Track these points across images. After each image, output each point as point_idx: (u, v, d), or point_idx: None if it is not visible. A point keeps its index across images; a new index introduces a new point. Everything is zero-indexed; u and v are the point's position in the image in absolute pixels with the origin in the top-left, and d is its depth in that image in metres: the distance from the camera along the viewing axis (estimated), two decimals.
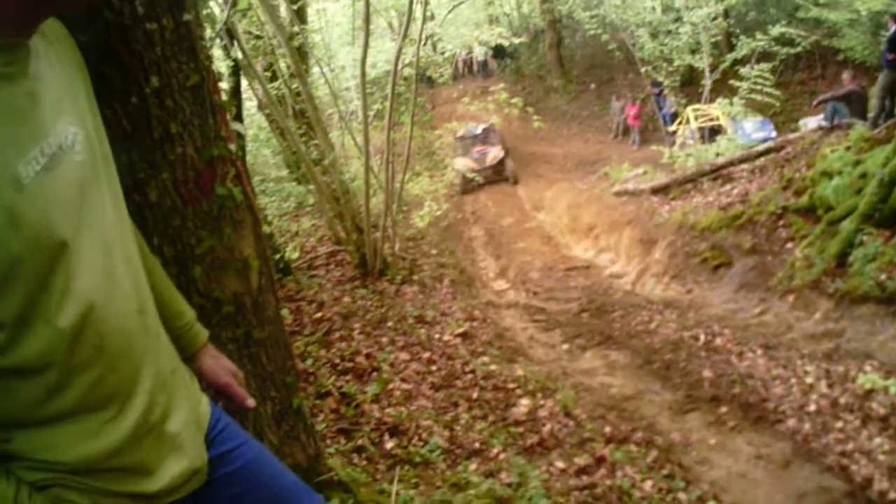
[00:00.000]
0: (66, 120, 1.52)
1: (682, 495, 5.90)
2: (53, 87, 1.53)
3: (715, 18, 24.30)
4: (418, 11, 11.94)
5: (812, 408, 7.62)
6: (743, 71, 21.72)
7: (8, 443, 1.47)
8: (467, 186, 25.17)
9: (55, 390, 1.46)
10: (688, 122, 22.92)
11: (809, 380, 8.18)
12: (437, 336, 9.38)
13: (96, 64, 2.21)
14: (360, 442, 5.68)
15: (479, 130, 29.19)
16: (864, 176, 10.79)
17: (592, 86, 35.89)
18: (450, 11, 17.27)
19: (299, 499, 2.22)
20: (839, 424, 7.23)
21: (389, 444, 5.80)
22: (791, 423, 7.40)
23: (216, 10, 8.45)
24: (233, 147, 2.94)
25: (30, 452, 1.49)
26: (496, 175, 28.44)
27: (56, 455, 1.51)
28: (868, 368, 8.12)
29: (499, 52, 41.22)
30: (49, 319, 1.40)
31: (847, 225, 10.32)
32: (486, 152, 28.82)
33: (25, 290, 1.34)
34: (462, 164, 27.60)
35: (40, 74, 1.49)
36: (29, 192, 1.32)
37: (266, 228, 3.27)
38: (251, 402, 2.33)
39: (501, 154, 28.98)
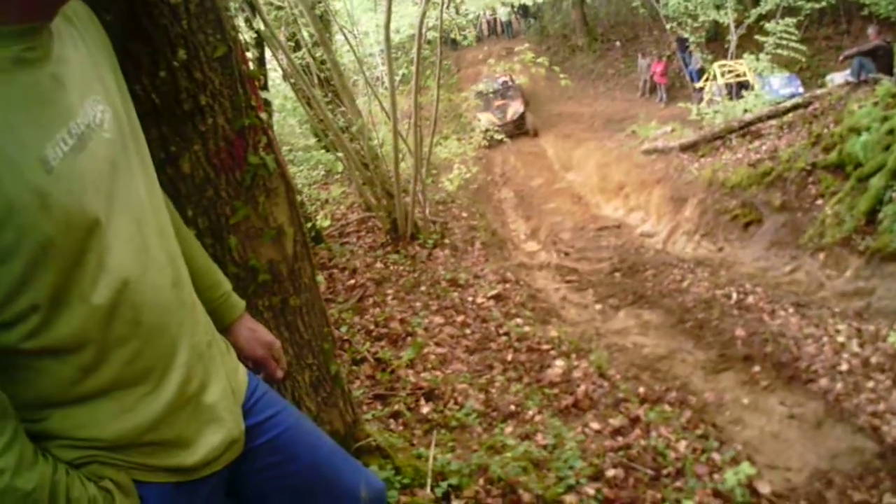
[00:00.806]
0: (93, 99, 1.54)
1: (715, 455, 5.90)
2: (78, 68, 1.54)
3: None
4: None
5: (844, 367, 7.60)
6: (768, 26, 21.57)
7: (45, 422, 1.48)
8: (492, 142, 25.33)
9: (91, 368, 1.48)
10: (714, 78, 22.77)
11: (841, 339, 8.17)
12: (470, 299, 9.38)
13: (123, 41, 2.24)
14: (396, 407, 5.72)
15: (499, 83, 29.61)
16: (891, 132, 10.69)
17: (617, 44, 35.71)
18: None
19: (337, 465, 2.23)
20: (870, 384, 7.21)
21: (425, 409, 5.83)
22: (823, 382, 7.39)
23: None
24: (264, 116, 2.95)
25: (66, 431, 1.50)
26: (517, 129, 28.92)
27: (92, 432, 1.53)
28: None
29: (523, 11, 41.15)
30: (84, 297, 1.41)
31: (876, 182, 10.24)
32: (506, 107, 29.37)
33: (59, 270, 1.35)
34: (485, 119, 27.77)
35: (64, 56, 1.50)
36: (58, 173, 1.33)
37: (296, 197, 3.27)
38: (280, 374, 2.38)
39: (521, 108, 29.60)
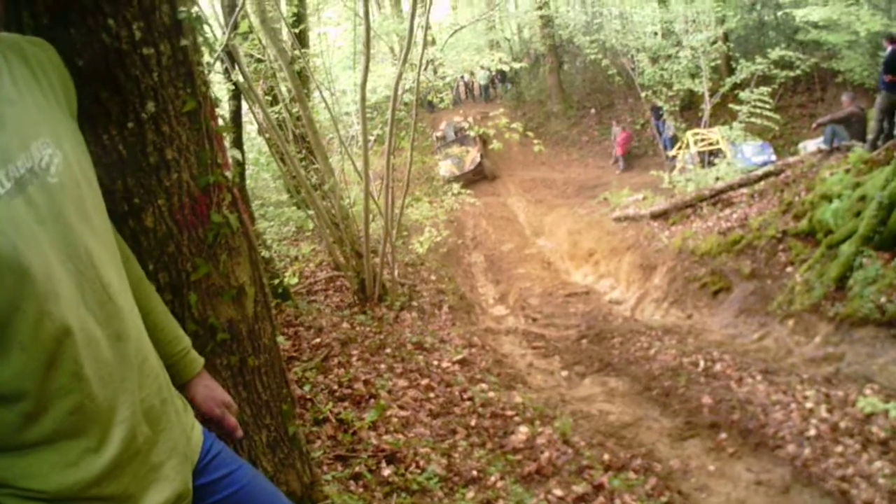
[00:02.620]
0: (41, 142, 1.54)
1: None
2: (27, 111, 1.55)
3: (714, 42, 24.45)
4: (419, 36, 11.96)
5: (812, 432, 7.61)
6: (742, 95, 21.81)
7: None
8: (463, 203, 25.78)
9: (33, 416, 1.47)
10: (687, 146, 22.92)
11: (809, 404, 8.18)
12: (435, 363, 9.34)
13: (94, 88, 2.26)
14: (357, 469, 5.66)
15: (455, 127, 31.05)
16: (863, 199, 10.81)
17: (592, 111, 36.00)
18: (451, 36, 17.29)
19: None
20: (839, 449, 7.22)
21: (386, 472, 5.77)
22: (791, 448, 7.39)
23: (218, 33, 8.45)
24: (229, 174, 2.94)
25: (11, 480, 1.49)
26: (476, 175, 30.13)
27: (36, 483, 1.51)
28: (868, 392, 8.13)
29: (500, 76, 41.58)
30: (23, 345, 1.41)
31: (846, 248, 10.34)
32: (464, 155, 30.30)
33: None
34: (444, 168, 29.37)
35: (10, 98, 1.50)
36: None
37: (265, 253, 3.24)
38: (240, 433, 2.35)
39: (479, 157, 30.44)
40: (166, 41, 2.53)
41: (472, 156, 30.32)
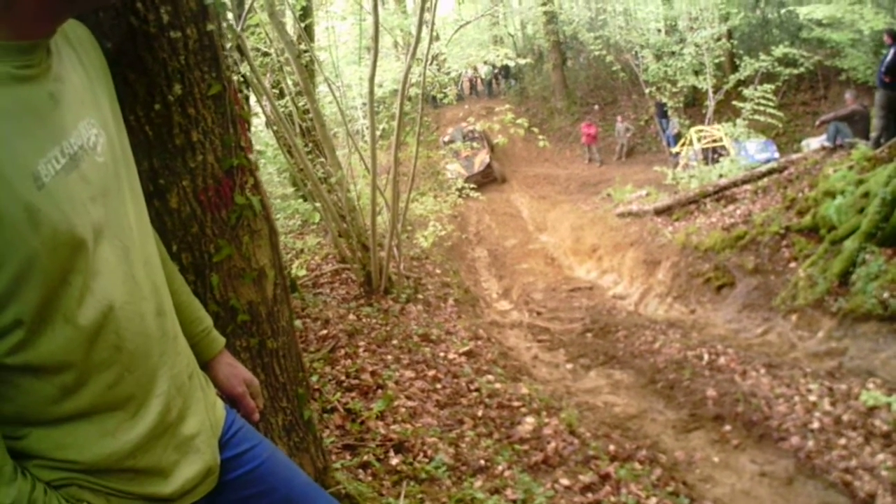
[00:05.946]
0: (87, 122, 1.56)
1: None
2: (76, 90, 1.56)
3: (718, 39, 24.38)
4: (425, 32, 11.95)
5: (815, 425, 7.65)
6: (746, 92, 21.75)
7: (24, 440, 1.48)
8: (467, 197, 25.69)
9: (71, 389, 1.48)
10: (691, 143, 22.88)
11: (812, 398, 8.22)
12: (441, 354, 9.35)
13: (122, 70, 2.29)
14: (365, 458, 5.67)
15: (463, 132, 30.39)
16: (866, 195, 10.84)
17: (596, 107, 35.86)
18: (455, 31, 17.26)
19: (313, 498, 2.24)
20: (842, 441, 7.27)
21: (395, 461, 5.78)
22: (794, 440, 7.43)
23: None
24: (252, 157, 2.96)
25: (45, 451, 1.50)
26: (485, 178, 29.74)
27: (71, 454, 1.52)
28: (871, 386, 8.17)
29: (504, 72, 41.58)
30: (69, 318, 1.42)
31: (849, 244, 10.38)
32: (473, 157, 30.02)
33: (44, 287, 1.36)
34: (453, 169, 28.60)
35: (62, 76, 1.52)
36: (48, 190, 1.34)
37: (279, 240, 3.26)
38: (256, 417, 2.36)
39: (488, 158, 30.30)
40: (193, 25, 2.56)
41: (482, 157, 30.17)
